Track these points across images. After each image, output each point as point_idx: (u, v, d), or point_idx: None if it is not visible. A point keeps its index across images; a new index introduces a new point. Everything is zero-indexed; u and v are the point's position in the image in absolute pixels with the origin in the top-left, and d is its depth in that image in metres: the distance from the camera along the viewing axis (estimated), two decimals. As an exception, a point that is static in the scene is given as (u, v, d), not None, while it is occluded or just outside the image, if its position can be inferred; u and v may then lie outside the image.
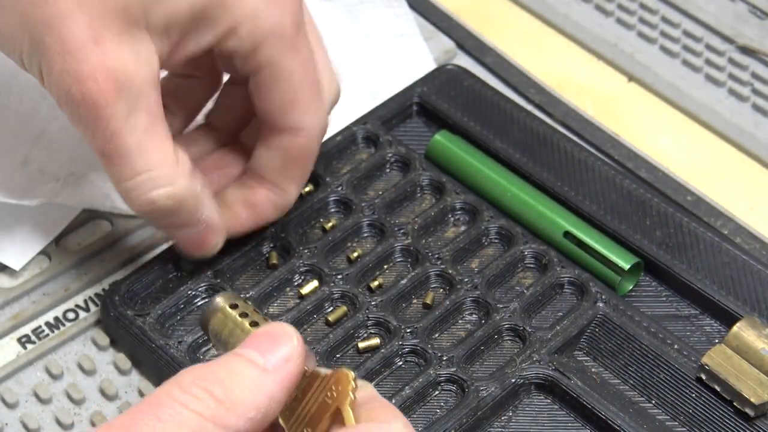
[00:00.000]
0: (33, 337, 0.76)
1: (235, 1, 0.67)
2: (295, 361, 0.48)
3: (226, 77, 0.78)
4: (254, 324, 0.53)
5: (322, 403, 0.48)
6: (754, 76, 0.92)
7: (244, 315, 0.54)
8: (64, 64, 0.63)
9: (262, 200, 0.75)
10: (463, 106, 0.87)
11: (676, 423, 0.72)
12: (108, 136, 0.65)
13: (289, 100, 0.71)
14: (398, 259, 0.79)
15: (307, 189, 0.82)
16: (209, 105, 0.80)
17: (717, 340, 0.75)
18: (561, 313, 0.76)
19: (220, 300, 0.55)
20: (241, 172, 0.77)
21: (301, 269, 0.77)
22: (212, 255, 0.74)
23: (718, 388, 0.71)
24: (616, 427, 0.70)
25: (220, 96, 0.79)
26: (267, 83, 0.70)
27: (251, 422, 0.46)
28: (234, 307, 0.55)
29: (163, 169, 0.67)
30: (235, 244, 0.77)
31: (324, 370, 0.50)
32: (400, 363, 0.74)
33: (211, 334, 0.55)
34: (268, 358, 0.47)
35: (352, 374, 0.48)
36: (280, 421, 0.49)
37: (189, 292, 0.76)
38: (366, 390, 0.52)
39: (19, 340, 0.76)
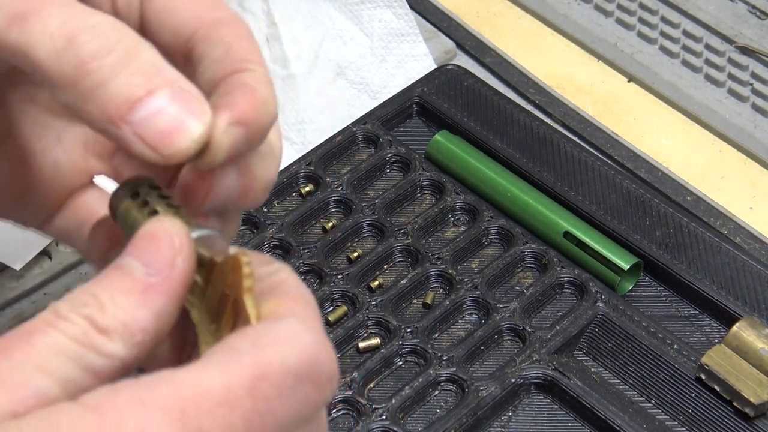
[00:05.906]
0: (33, 337, 0.76)
1: None
2: (181, 265, 0.40)
3: None
4: (154, 213, 0.44)
5: (222, 294, 0.42)
6: (754, 76, 0.92)
7: (145, 204, 0.44)
8: None
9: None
10: (463, 106, 0.87)
11: (676, 423, 0.72)
12: None
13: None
14: (398, 259, 0.79)
15: (307, 189, 0.82)
16: None
17: (717, 340, 0.75)
18: (561, 313, 0.76)
19: (121, 189, 0.46)
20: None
21: (301, 269, 0.78)
22: (191, 151, 0.41)
23: (717, 388, 0.71)
24: (615, 426, 0.70)
25: None
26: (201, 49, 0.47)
27: (141, 346, 0.40)
28: (135, 195, 0.45)
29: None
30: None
31: (229, 251, 0.42)
32: (400, 363, 0.74)
33: (119, 224, 0.47)
34: (150, 267, 0.40)
35: (244, 259, 0.41)
36: (191, 315, 0.43)
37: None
38: (278, 274, 0.43)
39: (19, 339, 0.76)
